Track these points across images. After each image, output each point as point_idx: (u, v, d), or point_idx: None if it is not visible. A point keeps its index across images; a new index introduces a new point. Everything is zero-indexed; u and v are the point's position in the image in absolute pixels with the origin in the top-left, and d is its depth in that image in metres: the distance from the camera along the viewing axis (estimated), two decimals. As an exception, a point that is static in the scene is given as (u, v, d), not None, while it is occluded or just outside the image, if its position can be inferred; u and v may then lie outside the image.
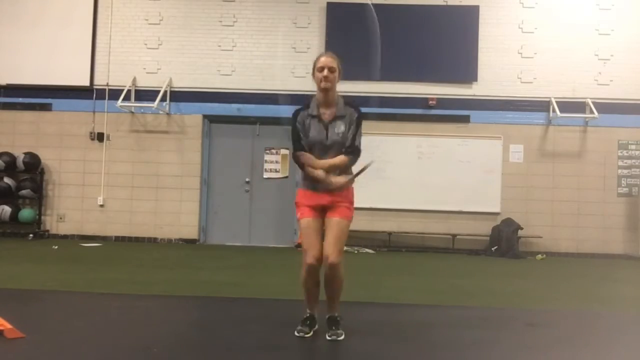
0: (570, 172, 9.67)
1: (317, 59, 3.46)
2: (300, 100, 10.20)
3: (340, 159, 3.41)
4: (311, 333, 3.46)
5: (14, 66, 9.88)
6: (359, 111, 3.49)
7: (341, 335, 3.38)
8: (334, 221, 3.39)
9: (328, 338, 3.35)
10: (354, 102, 3.56)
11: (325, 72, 3.37)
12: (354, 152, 3.44)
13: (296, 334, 3.41)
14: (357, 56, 9.26)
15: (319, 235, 3.41)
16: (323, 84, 3.38)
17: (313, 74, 3.45)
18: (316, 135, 3.43)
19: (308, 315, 3.50)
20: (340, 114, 3.44)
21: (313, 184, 3.45)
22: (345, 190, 3.44)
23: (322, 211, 3.45)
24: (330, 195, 3.42)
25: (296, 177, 9.36)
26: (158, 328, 3.58)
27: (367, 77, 9.43)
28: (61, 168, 9.88)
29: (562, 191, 9.65)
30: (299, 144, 3.49)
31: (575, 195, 9.64)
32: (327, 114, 3.45)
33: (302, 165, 3.46)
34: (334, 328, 3.40)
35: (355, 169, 3.49)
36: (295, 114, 3.53)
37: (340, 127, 3.43)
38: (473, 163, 9.59)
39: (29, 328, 3.22)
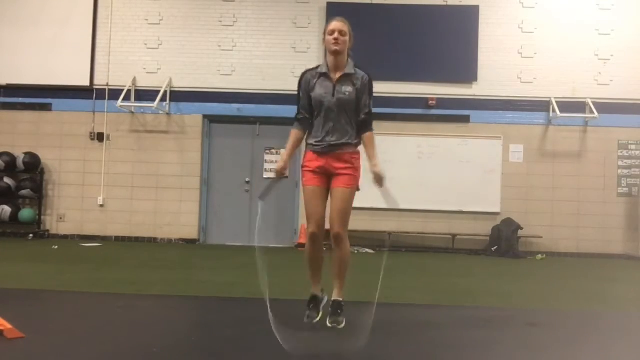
0: (570, 172, 9.67)
1: (328, 23, 3.47)
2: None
3: (373, 143, 3.44)
4: (319, 316, 3.45)
5: (14, 66, 9.88)
6: (369, 76, 3.49)
7: (342, 323, 3.39)
8: (338, 191, 3.39)
9: (329, 324, 3.36)
10: (365, 68, 3.54)
11: (336, 34, 3.36)
12: (371, 119, 3.49)
13: (305, 320, 3.41)
14: (357, 56, 9.25)
15: (322, 203, 3.40)
16: (333, 47, 3.37)
17: (324, 40, 3.45)
18: (323, 92, 3.42)
19: (311, 295, 3.50)
20: (350, 72, 3.43)
21: (318, 143, 3.44)
22: (349, 156, 3.42)
23: (327, 176, 3.44)
24: (334, 162, 3.40)
25: (296, 177, 9.37)
26: (158, 328, 3.57)
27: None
28: (61, 168, 9.88)
29: (562, 191, 9.65)
30: (300, 108, 3.54)
31: (575, 195, 9.65)
32: (336, 75, 3.44)
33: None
34: (338, 312, 3.40)
35: None
36: (303, 74, 3.54)
37: (347, 87, 3.42)
38: (473, 163, 9.59)
39: (29, 328, 3.22)
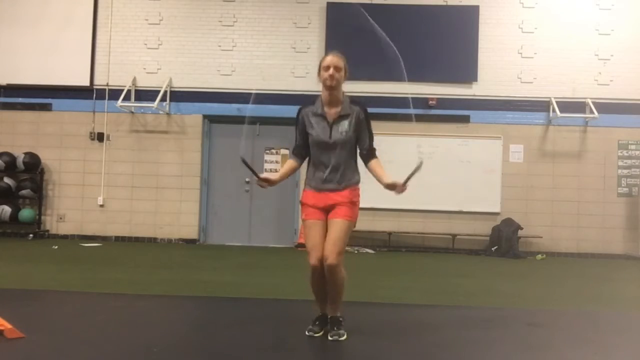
0: (570, 172, 9.67)
1: (323, 58, 3.45)
2: (301, 100, 10.22)
3: (381, 168, 3.46)
4: (321, 333, 3.47)
5: (14, 66, 9.88)
6: (365, 110, 3.48)
7: (343, 335, 3.37)
8: (333, 222, 3.38)
9: (330, 338, 3.35)
10: (360, 101, 3.54)
11: (331, 70, 3.35)
12: (373, 150, 3.50)
13: (306, 333, 3.43)
14: (357, 56, 9.22)
15: (322, 237, 3.40)
16: (328, 83, 3.37)
17: (319, 73, 3.44)
18: (320, 133, 3.42)
19: (319, 315, 3.52)
20: (345, 112, 3.44)
21: (317, 184, 3.46)
22: (347, 191, 3.44)
23: (326, 212, 3.45)
24: (333, 196, 3.41)
25: (296, 177, 9.37)
26: (158, 328, 3.58)
27: (367, 77, 9.42)
28: (61, 168, 9.88)
29: (562, 191, 9.65)
30: (295, 146, 3.58)
31: (575, 195, 9.65)
32: (332, 112, 3.44)
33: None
34: (335, 329, 3.40)
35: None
36: (300, 110, 3.54)
37: (344, 126, 3.42)
38: (473, 163, 9.60)
39: (29, 328, 3.22)
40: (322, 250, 3.35)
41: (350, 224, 3.41)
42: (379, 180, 3.43)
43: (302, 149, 3.54)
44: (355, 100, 3.52)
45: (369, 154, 3.50)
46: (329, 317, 3.47)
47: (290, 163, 3.57)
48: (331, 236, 3.35)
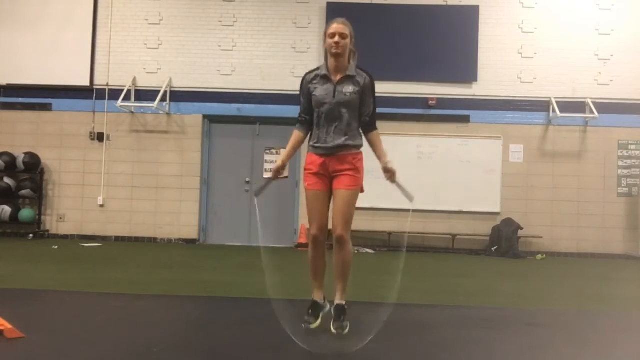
0: (570, 172, 9.67)
1: (329, 25, 3.45)
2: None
3: (380, 141, 3.46)
4: (317, 323, 3.45)
5: (14, 66, 9.88)
6: (371, 77, 3.49)
7: (346, 328, 3.38)
8: (340, 193, 3.38)
9: (333, 330, 3.35)
10: (367, 70, 3.53)
11: (337, 38, 3.35)
12: (374, 119, 3.51)
13: (302, 325, 3.41)
14: (357, 56, 9.26)
15: (324, 206, 3.40)
16: (334, 50, 3.36)
17: (324, 41, 3.44)
18: (324, 94, 3.41)
19: (312, 301, 3.50)
20: (351, 74, 3.43)
21: (320, 145, 3.45)
22: (352, 157, 3.42)
23: (329, 179, 3.44)
24: (336, 162, 3.41)
25: (296, 177, 9.38)
26: (158, 328, 3.57)
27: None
28: (61, 168, 9.88)
29: (562, 191, 9.65)
30: (302, 109, 3.55)
31: (575, 195, 9.65)
32: (337, 77, 3.44)
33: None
34: (341, 318, 3.40)
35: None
36: (304, 76, 3.54)
37: (348, 87, 3.41)
38: (473, 163, 9.60)
39: (29, 328, 3.22)
40: (324, 219, 3.34)
41: (355, 193, 3.41)
42: (378, 157, 3.44)
43: (307, 113, 3.51)
44: (363, 68, 3.51)
45: (370, 123, 3.49)
46: (335, 304, 3.46)
47: (296, 135, 3.53)
48: (339, 208, 3.36)
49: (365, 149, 3.55)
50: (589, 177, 9.65)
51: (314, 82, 3.46)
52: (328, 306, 3.59)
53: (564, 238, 9.59)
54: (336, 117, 3.41)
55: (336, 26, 3.39)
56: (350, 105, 3.41)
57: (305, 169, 3.52)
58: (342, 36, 3.36)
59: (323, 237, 3.36)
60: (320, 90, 3.42)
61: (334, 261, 3.44)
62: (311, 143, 3.52)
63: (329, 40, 3.37)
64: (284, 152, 3.50)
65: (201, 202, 9.87)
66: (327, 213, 3.42)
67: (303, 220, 9.56)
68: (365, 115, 3.47)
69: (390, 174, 3.39)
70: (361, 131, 3.53)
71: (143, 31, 9.93)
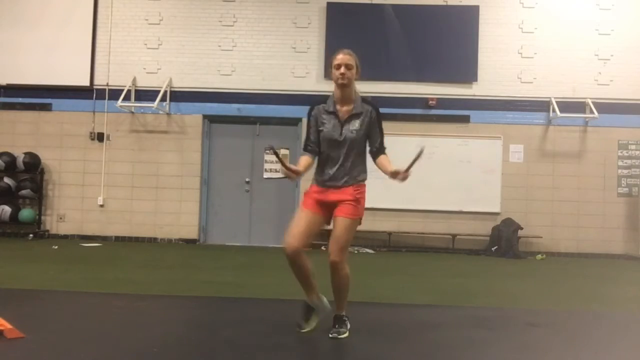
0: (570, 172, 9.67)
1: (334, 56, 3.45)
2: (300, 100, 10.24)
3: (388, 162, 3.46)
4: (307, 327, 3.45)
5: (14, 66, 9.88)
6: (377, 109, 3.50)
7: (344, 333, 3.38)
8: (339, 220, 3.39)
9: (330, 336, 3.36)
10: (372, 100, 3.55)
11: (342, 69, 3.37)
12: (383, 147, 3.52)
13: (297, 328, 3.43)
14: (357, 56, 9.26)
15: (306, 226, 3.38)
16: (340, 81, 3.38)
17: (330, 71, 3.46)
18: (331, 131, 3.43)
19: (304, 304, 3.51)
20: (357, 111, 3.45)
21: (322, 181, 3.47)
22: (354, 189, 3.44)
23: (329, 209, 3.45)
24: (337, 194, 3.42)
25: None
26: (158, 328, 3.57)
27: (367, 77, 9.41)
28: (61, 168, 9.88)
29: (562, 191, 9.65)
30: (307, 142, 3.54)
31: (575, 195, 9.65)
32: (343, 110, 3.46)
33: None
34: (337, 326, 3.41)
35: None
36: (311, 109, 3.55)
37: (355, 124, 3.44)
38: (473, 163, 9.60)
39: (29, 328, 3.22)
40: (298, 239, 3.33)
41: (353, 222, 3.41)
42: (384, 171, 3.44)
43: (315, 146, 3.51)
44: (368, 99, 3.53)
45: (379, 151, 3.52)
46: (334, 314, 3.47)
47: (306, 159, 3.50)
48: (336, 233, 3.36)
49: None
50: (589, 177, 9.65)
51: (322, 116, 3.47)
52: (324, 300, 3.55)
53: (564, 238, 9.59)
54: (342, 153, 3.44)
55: (342, 57, 3.41)
56: (357, 142, 3.45)
57: (305, 194, 3.54)
58: (348, 67, 3.38)
59: (293, 253, 3.32)
60: (328, 127, 3.44)
61: (331, 283, 3.42)
62: (316, 176, 3.55)
63: (335, 72, 3.40)
64: (301, 165, 3.45)
65: (201, 202, 9.87)
66: (307, 234, 3.37)
67: (303, 220, 9.56)
68: (374, 147, 3.52)
69: (398, 174, 3.37)
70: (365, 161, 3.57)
71: (143, 31, 9.93)
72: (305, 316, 3.50)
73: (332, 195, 3.43)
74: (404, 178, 3.33)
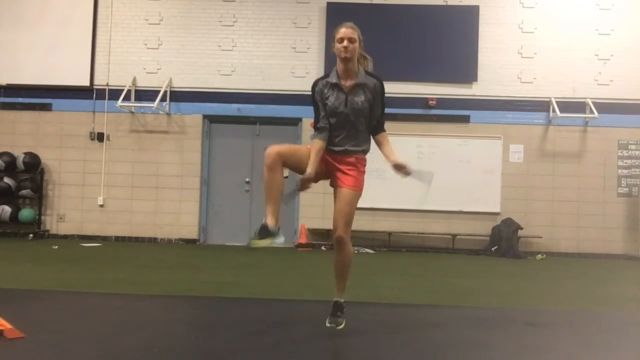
0: (570, 172, 9.67)
1: (337, 30, 3.43)
2: (301, 100, 10.24)
3: (388, 141, 3.47)
4: (263, 243, 3.28)
5: (14, 66, 9.88)
6: (381, 82, 3.51)
7: (341, 324, 3.40)
8: (342, 192, 3.39)
9: (327, 325, 3.37)
10: (376, 74, 3.54)
11: (345, 42, 3.36)
12: (383, 122, 3.52)
13: (249, 243, 3.27)
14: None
15: (295, 152, 3.36)
16: (343, 54, 3.37)
17: (333, 45, 3.45)
18: (335, 103, 3.43)
19: (263, 222, 3.33)
20: (361, 81, 3.44)
21: (329, 146, 3.46)
22: (356, 159, 3.45)
23: (328, 168, 3.45)
24: (340, 159, 3.44)
25: (296, 177, 9.36)
26: (158, 328, 3.57)
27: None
28: (61, 168, 9.88)
29: (562, 191, 9.65)
30: (318, 116, 3.49)
31: (575, 195, 9.65)
32: (347, 84, 3.45)
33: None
34: (337, 314, 3.42)
35: None
36: (314, 84, 3.53)
37: (360, 96, 3.43)
38: (473, 163, 9.60)
39: (29, 328, 3.22)
40: (279, 154, 3.24)
41: (356, 194, 3.43)
42: (386, 156, 3.46)
43: (326, 119, 3.47)
44: (371, 72, 3.52)
45: (379, 126, 3.53)
46: (333, 300, 3.49)
47: (318, 144, 3.41)
48: (341, 208, 3.37)
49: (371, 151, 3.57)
50: (589, 177, 9.65)
51: (326, 89, 3.46)
52: (282, 238, 3.40)
53: (564, 238, 9.59)
54: (347, 125, 3.45)
55: (344, 30, 3.39)
56: (362, 113, 3.45)
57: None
58: (351, 40, 3.37)
59: (274, 162, 3.24)
60: (333, 99, 3.44)
61: (334, 261, 3.46)
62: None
63: (338, 45, 3.39)
64: (312, 162, 3.36)
65: (201, 202, 9.87)
66: (292, 156, 3.32)
67: (303, 220, 9.57)
68: (374, 119, 3.52)
69: (402, 168, 3.38)
70: (370, 135, 3.56)
71: (143, 31, 9.93)
72: (262, 234, 3.32)
73: (335, 160, 3.45)
74: (405, 174, 3.36)
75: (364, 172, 3.49)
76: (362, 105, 3.42)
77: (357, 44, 3.40)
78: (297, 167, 3.39)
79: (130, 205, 9.80)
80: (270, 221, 3.32)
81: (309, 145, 3.48)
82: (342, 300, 3.49)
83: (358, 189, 3.43)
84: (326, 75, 3.53)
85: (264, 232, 3.31)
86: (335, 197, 3.45)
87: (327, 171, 3.49)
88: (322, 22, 9.77)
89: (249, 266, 7.10)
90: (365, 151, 3.53)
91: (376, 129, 3.53)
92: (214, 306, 4.39)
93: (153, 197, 9.79)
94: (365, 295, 4.91)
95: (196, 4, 9.94)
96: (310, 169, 3.34)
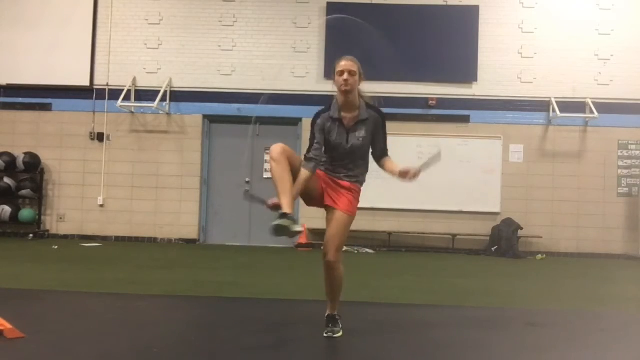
0: (570, 172, 9.67)
1: (337, 62, 3.43)
2: (301, 100, 10.24)
3: (391, 162, 3.50)
4: (287, 228, 3.10)
5: (14, 66, 9.89)
6: (382, 115, 3.50)
7: (338, 332, 3.38)
8: (336, 214, 3.38)
9: (325, 335, 3.37)
10: (375, 104, 3.54)
11: (346, 75, 3.35)
12: (387, 153, 3.53)
13: (271, 231, 3.12)
14: (357, 56, 9.23)
15: (295, 157, 3.32)
16: (343, 88, 3.37)
17: (333, 77, 3.44)
18: (338, 140, 3.42)
19: (280, 212, 3.17)
20: (363, 117, 3.44)
21: (326, 168, 3.48)
22: (351, 184, 3.45)
23: (324, 189, 3.44)
24: (338, 183, 3.43)
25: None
26: (158, 328, 3.57)
27: (367, 77, 9.41)
28: (61, 168, 9.88)
29: (562, 191, 9.65)
30: (312, 148, 3.42)
31: (575, 195, 9.65)
32: (348, 117, 3.44)
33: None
34: (330, 326, 3.41)
35: None
36: (316, 116, 3.50)
37: (361, 132, 3.43)
38: (473, 163, 9.60)
39: (29, 328, 3.22)
40: (283, 152, 3.19)
41: (350, 219, 3.42)
42: (391, 172, 3.44)
43: (320, 153, 3.43)
44: (371, 104, 3.52)
45: (382, 155, 3.54)
46: (326, 315, 3.48)
47: (304, 174, 3.32)
48: (334, 230, 3.35)
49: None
50: (589, 177, 9.65)
51: (327, 123, 3.43)
52: (298, 228, 3.18)
53: (564, 238, 9.59)
54: (347, 159, 3.46)
55: (344, 63, 3.39)
56: (362, 149, 3.47)
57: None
58: (351, 73, 3.36)
59: (281, 155, 3.18)
60: (335, 135, 3.43)
61: (325, 282, 3.42)
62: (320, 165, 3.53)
63: (338, 78, 3.38)
64: (295, 187, 3.24)
65: (201, 202, 9.87)
66: (294, 161, 3.27)
67: (303, 220, 9.56)
68: (377, 151, 3.53)
69: (407, 173, 3.35)
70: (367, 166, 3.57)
71: (143, 31, 9.93)
72: (284, 218, 3.12)
73: (332, 180, 3.45)
74: (414, 177, 3.33)
75: (358, 199, 3.48)
76: (363, 141, 3.44)
77: (357, 77, 3.40)
78: (292, 169, 3.33)
79: (130, 205, 9.80)
80: (287, 210, 3.16)
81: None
82: (335, 314, 3.47)
83: (352, 214, 3.42)
84: (327, 109, 3.48)
85: (284, 216, 3.13)
86: (327, 220, 3.41)
87: (322, 190, 3.44)
88: (322, 22, 9.77)
89: (249, 266, 7.10)
90: (361, 182, 3.53)
91: (380, 158, 3.55)
92: (214, 306, 4.39)
93: (153, 197, 9.79)
94: (365, 295, 4.91)
95: (196, 4, 9.94)
96: (286, 200, 3.17)
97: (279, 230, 3.08)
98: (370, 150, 3.55)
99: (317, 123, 3.47)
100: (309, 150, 3.44)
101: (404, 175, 3.36)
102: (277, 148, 3.23)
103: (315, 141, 3.42)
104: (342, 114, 3.45)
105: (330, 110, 3.46)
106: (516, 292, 5.55)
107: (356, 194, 3.48)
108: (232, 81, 9.85)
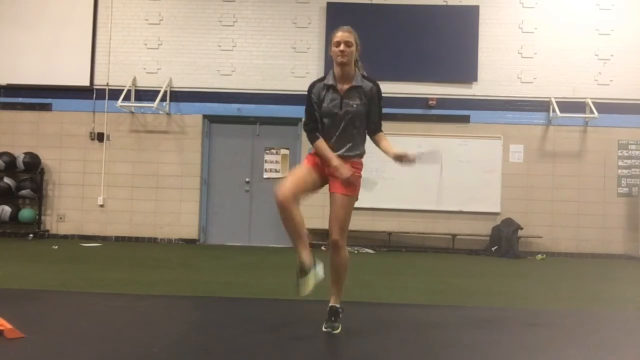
0: (570, 172, 9.67)
1: (334, 33, 3.43)
2: (301, 100, 10.24)
3: (385, 139, 3.49)
4: (309, 288, 3.21)
5: (14, 66, 9.89)
6: (378, 86, 3.49)
7: (337, 328, 3.39)
8: (337, 198, 3.38)
9: (324, 329, 3.37)
10: (373, 78, 3.53)
11: (342, 46, 3.36)
12: (380, 124, 3.53)
13: (295, 290, 3.24)
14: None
15: (302, 178, 3.36)
16: (339, 59, 3.37)
17: (330, 49, 3.45)
18: (330, 105, 3.43)
19: (299, 264, 3.26)
20: (357, 84, 3.44)
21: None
22: (352, 164, 3.43)
23: (325, 175, 3.45)
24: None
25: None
26: (158, 328, 3.57)
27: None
28: (61, 168, 9.88)
29: (562, 191, 9.65)
30: (310, 118, 3.49)
31: (575, 195, 9.65)
32: (343, 87, 3.45)
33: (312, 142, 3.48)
34: (332, 319, 3.41)
35: None
36: (311, 86, 3.53)
37: (355, 99, 3.43)
38: (473, 163, 9.60)
39: (29, 328, 3.22)
40: (291, 189, 3.24)
41: (351, 200, 3.42)
42: (385, 151, 3.45)
43: (316, 121, 3.49)
44: (368, 77, 3.52)
45: (376, 129, 3.53)
46: (329, 305, 3.47)
47: (321, 143, 3.44)
48: (336, 213, 3.37)
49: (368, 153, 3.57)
50: (589, 177, 9.65)
51: (322, 92, 3.46)
52: (320, 269, 3.33)
53: (564, 238, 9.59)
54: (342, 127, 3.44)
55: (341, 34, 3.39)
56: (357, 116, 3.44)
57: (309, 154, 3.55)
58: (347, 44, 3.37)
59: (286, 203, 3.21)
60: (328, 102, 3.43)
61: (330, 266, 3.44)
62: (313, 150, 3.54)
63: (334, 49, 3.39)
64: (333, 157, 3.38)
65: (201, 202, 9.87)
66: (301, 185, 3.32)
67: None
68: (372, 123, 3.52)
69: (404, 157, 3.36)
70: (367, 135, 3.57)
71: (143, 31, 9.93)
72: (303, 274, 3.23)
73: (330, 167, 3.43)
74: (409, 162, 3.35)
75: (359, 175, 3.47)
76: (357, 108, 3.41)
77: (353, 48, 3.40)
78: (312, 187, 3.40)
79: (130, 205, 9.80)
80: (306, 258, 3.26)
81: (304, 160, 3.50)
82: (338, 306, 3.48)
83: (354, 195, 3.42)
84: (323, 78, 3.52)
85: (303, 270, 3.24)
86: (330, 202, 3.44)
87: (324, 177, 3.46)
88: (322, 22, 9.78)
89: (249, 266, 7.10)
90: (361, 155, 3.53)
91: (374, 131, 3.54)
92: (214, 306, 4.39)
93: (153, 197, 9.79)
94: (365, 295, 4.91)
95: (196, 4, 9.94)
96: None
97: (307, 289, 3.24)
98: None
99: (313, 92, 3.50)
100: (307, 122, 3.51)
101: (399, 158, 3.37)
102: (280, 194, 3.23)
103: (312, 111, 3.48)
104: (338, 84, 3.45)
105: (325, 79, 3.49)
106: (516, 292, 5.54)
107: (357, 170, 3.45)
108: (232, 81, 9.85)
